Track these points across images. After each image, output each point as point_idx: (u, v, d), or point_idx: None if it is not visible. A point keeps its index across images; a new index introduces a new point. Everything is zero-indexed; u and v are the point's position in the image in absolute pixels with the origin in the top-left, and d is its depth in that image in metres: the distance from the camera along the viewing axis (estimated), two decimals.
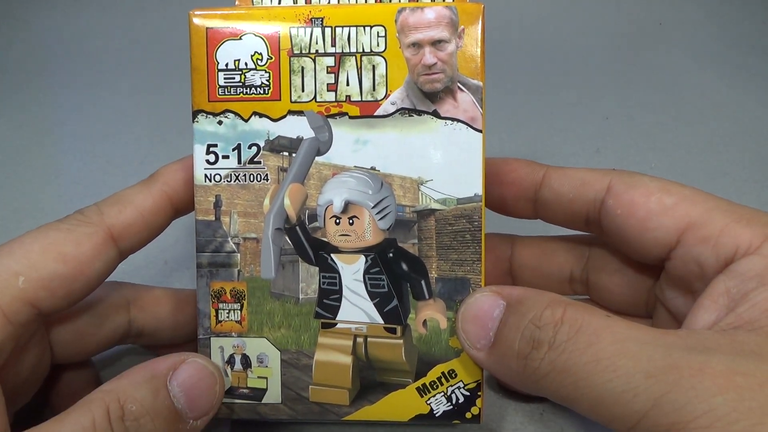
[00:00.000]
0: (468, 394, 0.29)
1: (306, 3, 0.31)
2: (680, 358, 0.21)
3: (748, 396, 0.20)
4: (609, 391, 0.22)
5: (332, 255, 0.30)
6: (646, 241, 0.28)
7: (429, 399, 0.29)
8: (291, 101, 0.29)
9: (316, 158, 0.29)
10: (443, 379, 0.29)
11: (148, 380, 0.25)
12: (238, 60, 0.29)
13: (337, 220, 0.29)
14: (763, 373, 0.20)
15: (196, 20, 0.29)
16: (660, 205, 0.27)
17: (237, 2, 0.31)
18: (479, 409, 0.29)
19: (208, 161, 0.30)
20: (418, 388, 0.29)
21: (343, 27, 0.29)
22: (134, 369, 0.26)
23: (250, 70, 0.29)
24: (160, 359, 0.27)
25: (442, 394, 0.29)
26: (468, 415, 0.29)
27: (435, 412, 0.29)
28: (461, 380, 0.29)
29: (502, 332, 0.26)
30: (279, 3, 0.31)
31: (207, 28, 0.29)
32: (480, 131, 0.29)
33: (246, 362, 0.30)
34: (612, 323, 0.23)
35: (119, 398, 0.24)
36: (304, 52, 0.29)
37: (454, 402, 0.29)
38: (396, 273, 0.29)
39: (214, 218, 0.30)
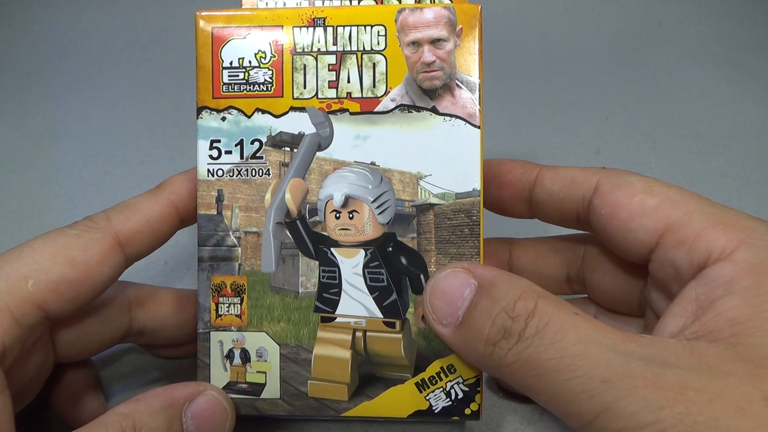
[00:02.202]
0: (467, 389, 0.29)
1: (309, 5, 0.31)
2: (637, 368, 0.22)
3: (696, 410, 0.20)
4: (567, 389, 0.22)
5: (332, 249, 0.30)
6: (628, 242, 0.28)
7: (428, 395, 0.29)
8: (293, 98, 0.30)
9: (317, 153, 0.30)
10: (442, 374, 0.29)
11: (165, 408, 0.26)
12: (242, 58, 0.30)
13: (337, 215, 0.30)
14: (714, 389, 0.21)
15: (202, 22, 0.30)
16: (642, 206, 0.27)
17: (243, 4, 0.31)
18: (478, 405, 0.29)
19: (211, 156, 0.30)
20: (417, 384, 0.29)
21: (344, 26, 0.30)
22: (152, 394, 0.27)
23: (254, 67, 0.30)
24: (179, 387, 0.27)
25: (441, 389, 0.29)
26: (467, 411, 0.29)
27: (434, 408, 0.29)
28: (460, 375, 0.29)
29: (473, 314, 0.26)
30: (284, 5, 0.31)
31: (213, 28, 0.30)
32: (478, 127, 0.29)
33: (245, 357, 0.30)
34: (579, 322, 0.24)
35: (135, 424, 0.25)
36: (306, 50, 0.30)
37: (453, 398, 0.29)
38: (395, 267, 0.29)
39: (216, 212, 0.30)
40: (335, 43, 0.30)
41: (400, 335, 0.29)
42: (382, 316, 0.29)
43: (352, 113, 0.29)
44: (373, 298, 0.29)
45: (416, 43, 0.29)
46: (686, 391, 0.21)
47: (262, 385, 0.30)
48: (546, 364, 0.23)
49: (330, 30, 0.30)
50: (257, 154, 0.30)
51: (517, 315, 0.24)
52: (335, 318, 0.30)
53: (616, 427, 0.21)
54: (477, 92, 0.29)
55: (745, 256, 0.24)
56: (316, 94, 0.30)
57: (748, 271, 0.23)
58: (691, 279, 0.25)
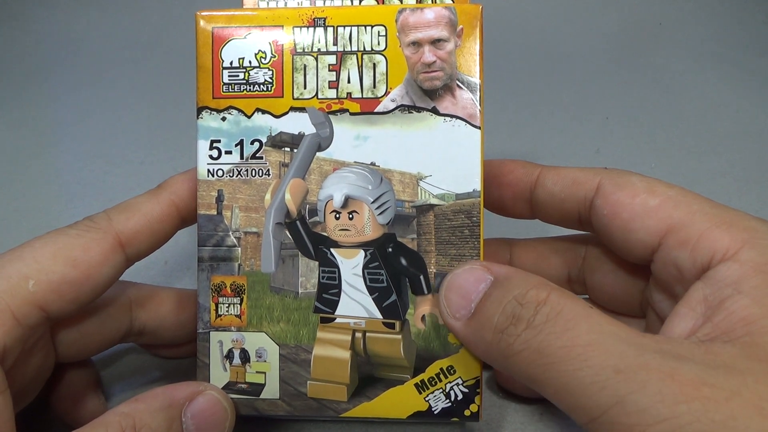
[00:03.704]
0: (467, 390, 0.29)
1: (311, 5, 0.31)
2: (652, 360, 0.21)
3: (713, 408, 0.20)
4: (577, 380, 0.22)
5: (332, 249, 0.30)
6: (630, 243, 0.28)
7: (427, 396, 0.29)
8: (293, 98, 0.30)
9: (317, 154, 0.29)
10: (442, 376, 0.29)
11: (165, 408, 0.26)
12: (243, 58, 0.30)
13: (337, 215, 0.30)
14: (731, 387, 0.20)
15: (202, 22, 0.30)
16: (643, 207, 0.27)
17: (244, 3, 0.31)
18: (478, 406, 0.29)
19: (211, 156, 0.30)
20: (416, 385, 0.29)
21: (344, 26, 0.29)
22: (152, 393, 0.27)
23: (254, 68, 0.30)
24: (178, 387, 0.27)
25: (441, 390, 0.29)
26: (467, 412, 0.29)
27: (433, 409, 0.29)
28: (460, 376, 0.29)
29: (484, 305, 0.26)
30: (285, 5, 0.31)
31: (213, 29, 0.30)
32: (478, 128, 0.29)
33: (245, 357, 0.30)
34: (592, 313, 0.23)
35: (135, 423, 0.25)
36: (306, 50, 0.30)
37: (452, 399, 0.29)
38: (395, 268, 0.29)
39: (216, 212, 0.30)
40: (335, 44, 0.30)
41: (399, 336, 0.29)
42: (381, 317, 0.29)
43: (352, 113, 0.29)
44: (373, 298, 0.29)
45: (417, 44, 0.29)
46: (702, 387, 0.20)
47: (262, 386, 0.30)
48: (556, 352, 0.22)
49: (330, 30, 0.30)
50: (257, 155, 0.30)
51: (527, 302, 0.24)
52: (335, 318, 0.30)
53: (629, 422, 0.20)
54: (477, 93, 0.29)
55: (750, 255, 0.24)
56: (317, 94, 0.30)
57: (755, 270, 0.23)
58: (694, 279, 0.25)
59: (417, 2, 0.31)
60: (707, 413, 0.20)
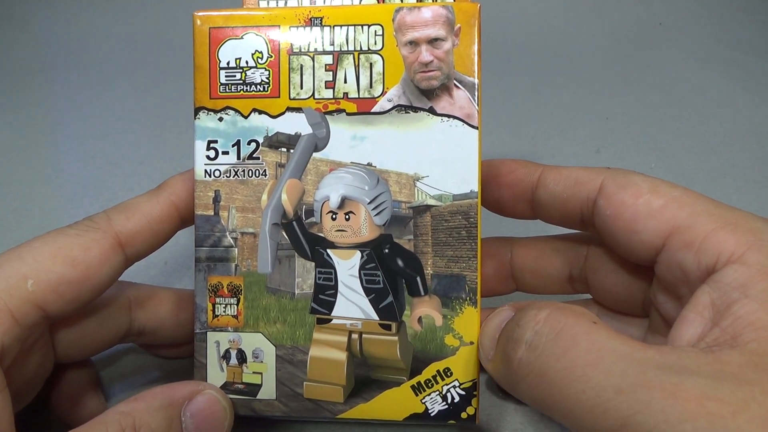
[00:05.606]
0: (463, 393, 0.29)
1: (310, 4, 0.31)
2: (654, 377, 0.20)
3: (719, 425, 0.19)
4: (580, 403, 0.21)
5: (328, 250, 0.30)
6: (633, 243, 0.28)
7: (424, 398, 0.29)
8: (290, 98, 0.30)
9: (314, 154, 0.29)
10: (438, 378, 0.29)
11: (164, 407, 0.26)
12: (239, 58, 0.30)
13: (334, 216, 0.30)
14: (737, 400, 0.19)
15: (199, 21, 0.30)
16: (647, 207, 0.27)
17: (244, 3, 0.31)
18: (475, 408, 0.29)
19: (208, 157, 0.30)
20: (413, 387, 0.29)
21: (341, 26, 0.29)
22: (151, 393, 0.27)
23: (251, 68, 0.30)
24: (178, 386, 0.28)
25: (437, 392, 0.29)
26: (464, 415, 0.29)
27: (430, 411, 0.29)
28: (456, 379, 0.29)
29: (500, 339, 0.26)
30: (285, 4, 0.31)
31: (210, 28, 0.30)
32: (476, 128, 0.29)
33: (241, 357, 0.30)
34: (593, 330, 0.23)
35: (135, 422, 0.25)
36: (303, 50, 0.30)
37: (449, 401, 0.29)
38: (391, 269, 0.29)
39: (213, 213, 0.30)
40: (332, 43, 0.30)
41: (396, 338, 0.29)
42: (378, 318, 0.29)
43: (348, 114, 0.29)
44: (369, 300, 0.29)
45: (414, 43, 0.29)
46: (707, 403, 0.19)
47: (258, 386, 0.30)
48: (557, 375, 0.22)
49: (327, 30, 0.30)
50: (254, 155, 0.30)
51: (525, 322, 0.24)
52: (331, 320, 0.30)
53: None
54: (475, 93, 0.29)
55: (757, 258, 0.23)
56: (313, 94, 0.30)
57: (762, 273, 0.23)
58: (699, 282, 0.25)
59: (415, 0, 0.31)
60: (713, 430, 0.19)
